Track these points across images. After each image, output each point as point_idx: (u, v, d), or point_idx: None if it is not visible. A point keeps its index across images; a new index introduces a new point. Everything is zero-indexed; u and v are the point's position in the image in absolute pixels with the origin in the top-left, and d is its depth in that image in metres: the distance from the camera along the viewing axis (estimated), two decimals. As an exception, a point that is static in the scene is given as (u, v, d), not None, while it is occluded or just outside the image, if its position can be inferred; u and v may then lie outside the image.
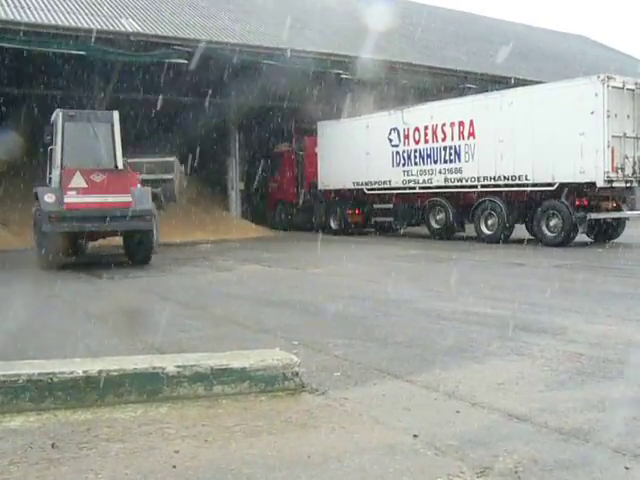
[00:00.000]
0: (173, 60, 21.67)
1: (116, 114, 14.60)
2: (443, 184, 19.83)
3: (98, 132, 14.45)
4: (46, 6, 21.37)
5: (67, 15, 21.12)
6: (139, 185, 14.83)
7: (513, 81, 25.93)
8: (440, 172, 19.92)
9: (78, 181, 13.61)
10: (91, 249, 17.17)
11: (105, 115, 14.93)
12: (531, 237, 18.12)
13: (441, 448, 3.80)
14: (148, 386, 4.49)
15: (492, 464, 3.57)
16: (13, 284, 12.25)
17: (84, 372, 4.37)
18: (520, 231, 18.58)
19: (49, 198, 13.59)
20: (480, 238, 18.59)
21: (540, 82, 19.63)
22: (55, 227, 13.42)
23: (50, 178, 14.83)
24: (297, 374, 4.84)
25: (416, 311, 8.33)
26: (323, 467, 3.59)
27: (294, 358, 4.91)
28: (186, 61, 21.69)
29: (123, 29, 20.86)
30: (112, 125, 14.44)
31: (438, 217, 20.26)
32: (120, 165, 14.41)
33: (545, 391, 4.86)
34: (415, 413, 4.45)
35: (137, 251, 14.84)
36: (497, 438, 3.95)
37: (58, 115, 14.32)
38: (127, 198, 13.85)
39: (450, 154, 19.62)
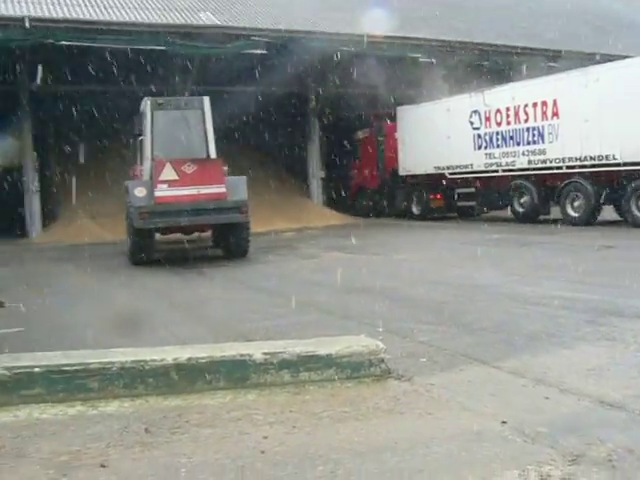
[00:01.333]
0: (252, 51, 21.86)
1: (207, 100, 13.93)
2: (526, 166, 19.39)
3: (189, 120, 13.79)
4: (126, 4, 21.89)
5: (147, 12, 21.60)
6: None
7: (598, 57, 25.11)
8: (523, 154, 19.48)
9: (169, 173, 13.02)
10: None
11: (195, 101, 14.19)
12: (620, 218, 17.56)
13: (530, 435, 3.73)
14: (236, 373, 4.57)
15: (584, 452, 3.48)
16: (104, 277, 12.64)
17: (174, 360, 4.49)
18: (608, 212, 18.03)
19: (140, 192, 13.09)
20: (566, 220, 18.11)
21: (627, 57, 18.92)
22: (147, 223, 12.98)
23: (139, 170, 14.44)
24: (383, 360, 4.84)
25: (501, 296, 8.20)
26: (410, 453, 3.59)
27: (380, 344, 4.91)
28: (265, 52, 21.86)
29: (201, 22, 21.17)
30: (203, 112, 13.76)
31: (522, 200, 19.82)
32: (213, 154, 13.79)
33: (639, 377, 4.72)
34: (503, 399, 4.39)
35: (233, 244, 14.08)
36: (589, 425, 3.85)
37: (146, 104, 13.73)
38: (221, 189, 13.23)
39: (533, 135, 19.16)
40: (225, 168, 14.09)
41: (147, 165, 13.57)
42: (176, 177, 12.99)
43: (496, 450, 3.56)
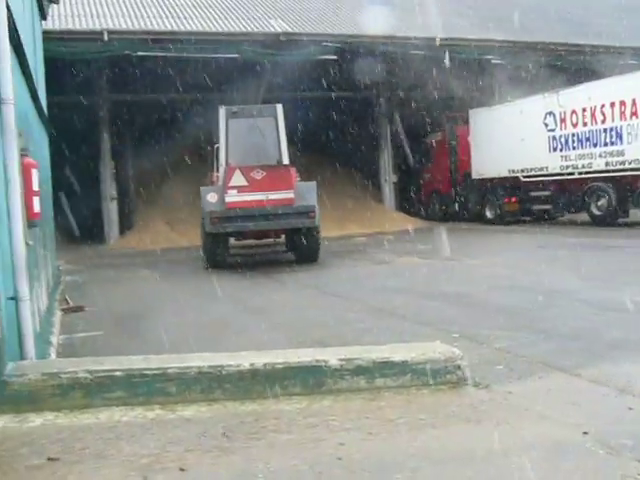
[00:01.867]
0: (323, 57, 21.96)
1: (280, 107, 14.20)
2: (604, 168, 18.90)
3: (262, 127, 14.00)
4: (199, 14, 22.29)
5: (220, 21, 21.95)
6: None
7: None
8: (600, 156, 19.00)
9: (238, 179, 13.45)
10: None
11: (269, 109, 14.43)
12: None
13: (614, 447, 3.62)
14: (312, 379, 4.58)
15: (672, 465, 3.37)
16: (178, 282, 12.87)
17: (251, 365, 4.53)
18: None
19: (212, 198, 13.58)
20: (646, 223, 17.60)
21: None
22: (217, 227, 13.40)
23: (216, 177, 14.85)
24: (459, 367, 4.78)
25: (580, 302, 8.02)
26: (489, 463, 3.53)
27: (456, 351, 4.86)
28: (335, 57, 21.92)
29: (273, 30, 21.38)
30: (276, 119, 13.99)
31: (599, 203, 19.32)
32: (286, 160, 13.88)
33: None
34: (584, 409, 4.28)
35: (304, 249, 14.21)
36: (676, 437, 3.72)
37: (222, 112, 14.11)
38: (289, 194, 13.51)
39: (611, 136, 18.67)
40: (295, 174, 14.33)
41: (221, 172, 13.99)
42: (245, 183, 13.41)
43: (578, 462, 3.47)
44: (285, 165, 13.86)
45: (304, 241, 14.01)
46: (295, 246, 14.76)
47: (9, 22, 4.92)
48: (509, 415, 4.22)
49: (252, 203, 13.33)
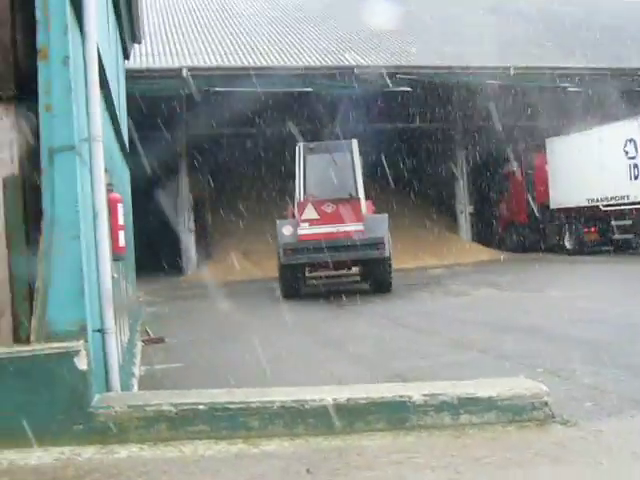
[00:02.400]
0: (396, 89, 22.02)
1: (355, 143, 14.83)
2: (686, 196, 18.34)
3: (338, 162, 14.58)
4: (274, 49, 22.67)
5: (294, 56, 22.30)
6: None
7: None
8: (685, 182, 18.45)
9: (310, 213, 14.10)
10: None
11: (344, 145, 15.09)
12: None
13: None
14: (395, 414, 4.51)
15: None
16: (255, 313, 12.97)
17: (333, 400, 4.49)
18: None
19: (287, 231, 14.15)
20: None
21: None
22: (290, 259, 13.93)
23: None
24: (546, 404, 4.64)
25: (670, 336, 7.73)
26: (583, 505, 3.40)
27: (542, 387, 4.72)
28: (409, 89, 21.95)
29: (346, 63, 21.58)
30: (351, 153, 14.63)
31: (683, 231, 18.73)
32: (361, 194, 14.43)
33: None
34: (681, 449, 4.10)
35: (377, 279, 14.67)
36: None
37: (300, 148, 14.82)
38: (359, 226, 13.92)
39: (693, 163, 18.12)
40: (371, 206, 14.93)
41: (296, 206, 14.71)
42: (317, 216, 14.07)
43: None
44: (355, 198, 14.31)
45: (377, 271, 14.42)
46: (369, 277, 15.20)
47: (99, 64, 5.09)
48: (601, 455, 4.06)
49: (323, 235, 13.80)
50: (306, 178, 14.48)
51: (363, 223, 14.02)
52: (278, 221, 14.85)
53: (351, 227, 13.92)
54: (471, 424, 4.54)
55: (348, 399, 4.49)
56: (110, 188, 5.84)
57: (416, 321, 10.39)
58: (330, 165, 14.53)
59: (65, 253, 4.33)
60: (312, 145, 15.06)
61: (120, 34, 11.58)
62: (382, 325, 10.38)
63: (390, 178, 27.05)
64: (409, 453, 4.20)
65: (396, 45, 24.61)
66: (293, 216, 15.26)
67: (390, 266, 14.28)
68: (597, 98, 23.42)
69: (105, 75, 6.32)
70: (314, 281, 16.26)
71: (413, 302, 13.07)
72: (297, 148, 14.95)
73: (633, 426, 4.57)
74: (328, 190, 14.30)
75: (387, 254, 13.94)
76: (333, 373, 6.69)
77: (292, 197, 15.80)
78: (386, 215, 14.74)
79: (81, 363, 4.21)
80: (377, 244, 13.75)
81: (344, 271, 16.44)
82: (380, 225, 14.13)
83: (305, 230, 13.97)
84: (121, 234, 5.82)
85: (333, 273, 16.54)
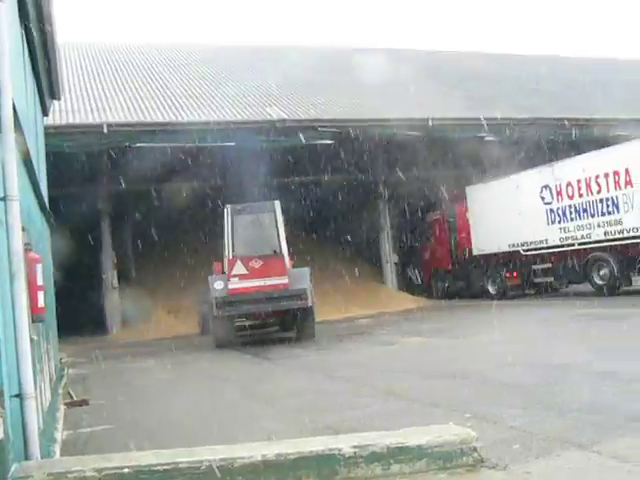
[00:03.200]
0: (319, 142, 22.30)
1: (277, 203, 16.02)
2: (603, 238, 18.96)
3: (262, 221, 15.91)
4: (196, 105, 22.74)
5: (217, 110, 22.39)
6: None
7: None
8: (599, 225, 19.09)
9: (239, 269, 15.07)
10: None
11: (268, 205, 16.24)
12: None
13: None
14: (326, 468, 4.46)
15: None
16: (183, 371, 12.74)
17: (262, 456, 4.41)
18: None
19: (218, 285, 15.13)
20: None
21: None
22: (222, 311, 14.91)
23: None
24: (475, 449, 4.67)
25: (592, 375, 7.90)
26: None
27: (471, 432, 4.75)
28: (331, 141, 22.27)
29: (269, 117, 21.78)
30: (275, 214, 15.80)
31: (601, 272, 19.30)
32: (284, 251, 15.52)
33: None
34: (608, 487, 4.16)
35: (301, 328, 15.80)
36: None
37: (228, 210, 15.84)
38: (284, 280, 15.00)
39: (607, 206, 18.80)
40: (289, 262, 15.88)
41: (226, 262, 15.66)
42: (246, 271, 15.08)
43: None
44: (280, 254, 15.49)
45: (301, 321, 15.64)
46: (294, 326, 16.26)
47: (15, 121, 4.99)
48: (530, 497, 4.10)
49: (251, 289, 14.90)
50: (234, 237, 15.54)
51: (287, 276, 15.08)
52: (210, 277, 15.67)
53: (277, 281, 15.01)
54: (402, 473, 4.53)
55: (277, 454, 4.42)
56: (28, 247, 5.68)
57: (347, 372, 10.35)
58: (255, 225, 15.92)
59: (-20, 315, 4.18)
60: (239, 207, 16.03)
61: (38, 90, 11.44)
62: (313, 378, 10.32)
63: (317, 229, 27.30)
64: (342, 506, 4.15)
65: (317, 100, 24.98)
66: (222, 272, 15.94)
67: (313, 314, 15.52)
68: (513, 147, 24.23)
69: (22, 132, 6.21)
70: (243, 332, 17.02)
71: (342, 353, 13.06)
72: (225, 210, 15.94)
73: (560, 466, 4.63)
74: (254, 247, 15.43)
75: (310, 304, 15.04)
76: (264, 428, 6.59)
77: (218, 255, 16.71)
78: (307, 269, 15.76)
79: (-3, 431, 4.02)
80: (300, 295, 14.89)
81: (270, 320, 17.50)
82: (303, 278, 15.21)
83: (235, 284, 14.96)
84: (40, 295, 5.64)
85: (258, 324, 17.59)
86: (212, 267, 16.82)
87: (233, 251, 15.43)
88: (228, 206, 16.04)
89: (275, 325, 18.17)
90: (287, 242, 15.82)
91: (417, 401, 7.47)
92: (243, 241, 15.59)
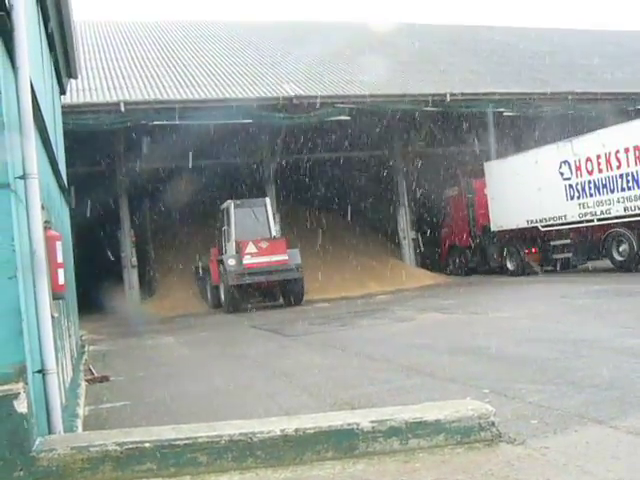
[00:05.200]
0: (336, 118, 22.23)
1: (268, 200, 21.19)
2: (623, 213, 18.82)
3: (257, 213, 20.48)
4: (213, 82, 22.70)
5: (234, 87, 22.34)
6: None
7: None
8: (618, 201, 18.93)
9: (251, 248, 19.55)
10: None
11: (260, 201, 20.97)
12: None
13: (660, 500, 3.52)
14: (344, 442, 4.49)
15: None
16: (202, 347, 12.82)
17: (282, 431, 4.45)
18: None
19: (231, 262, 19.58)
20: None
21: None
22: (239, 280, 19.44)
23: (225, 249, 20.72)
24: (493, 424, 4.68)
25: (609, 350, 7.88)
26: (532, 523, 3.42)
27: (489, 407, 4.76)
28: (348, 118, 22.19)
29: (285, 94, 21.72)
30: (266, 208, 20.66)
31: (621, 249, 19.19)
32: (277, 235, 20.50)
33: None
34: (626, 462, 4.15)
35: (293, 294, 20.36)
36: None
37: (230, 204, 20.45)
38: (284, 257, 19.69)
39: (627, 181, 18.63)
40: (286, 243, 20.19)
41: (232, 245, 20.08)
42: (256, 250, 19.58)
43: (624, 518, 3.36)
44: (281, 237, 20.51)
45: (293, 288, 20.24)
46: (286, 293, 20.66)
47: (32, 100, 5.01)
48: (548, 471, 4.10)
49: (261, 264, 19.42)
50: (237, 226, 20.08)
51: (286, 254, 19.60)
52: (223, 256, 20.15)
53: (279, 257, 19.64)
54: (420, 448, 4.55)
55: (296, 429, 4.46)
56: (48, 226, 5.73)
57: (365, 348, 10.37)
58: (252, 216, 20.33)
59: (2, 293, 4.22)
60: (238, 202, 20.49)
61: (55, 69, 11.46)
62: (331, 354, 10.34)
63: (335, 206, 27.27)
64: (359, 480, 4.18)
65: (334, 75, 24.87)
66: (220, 253, 20.87)
67: (302, 283, 20.23)
68: (533, 122, 24.04)
69: (40, 111, 6.23)
70: (249, 305, 20.49)
71: (360, 329, 13.08)
72: (228, 205, 20.49)
73: (578, 441, 4.63)
74: (252, 233, 19.73)
75: (301, 275, 19.97)
76: (283, 405, 6.64)
77: (217, 242, 21.52)
78: (297, 250, 20.21)
79: (21, 406, 4.08)
80: (297, 268, 19.78)
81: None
82: (296, 256, 19.93)
83: (249, 260, 19.45)
84: (60, 272, 5.70)
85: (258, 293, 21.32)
86: (210, 251, 21.55)
87: (236, 236, 19.74)
88: (230, 201, 20.40)
89: (269, 295, 21.61)
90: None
91: (436, 377, 7.48)
92: (243, 229, 19.90)
